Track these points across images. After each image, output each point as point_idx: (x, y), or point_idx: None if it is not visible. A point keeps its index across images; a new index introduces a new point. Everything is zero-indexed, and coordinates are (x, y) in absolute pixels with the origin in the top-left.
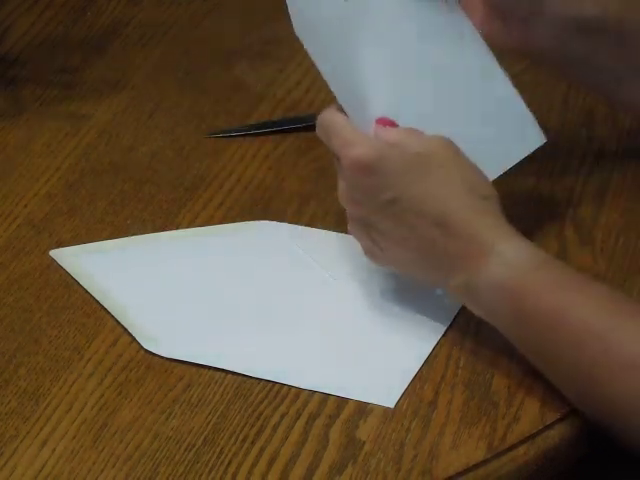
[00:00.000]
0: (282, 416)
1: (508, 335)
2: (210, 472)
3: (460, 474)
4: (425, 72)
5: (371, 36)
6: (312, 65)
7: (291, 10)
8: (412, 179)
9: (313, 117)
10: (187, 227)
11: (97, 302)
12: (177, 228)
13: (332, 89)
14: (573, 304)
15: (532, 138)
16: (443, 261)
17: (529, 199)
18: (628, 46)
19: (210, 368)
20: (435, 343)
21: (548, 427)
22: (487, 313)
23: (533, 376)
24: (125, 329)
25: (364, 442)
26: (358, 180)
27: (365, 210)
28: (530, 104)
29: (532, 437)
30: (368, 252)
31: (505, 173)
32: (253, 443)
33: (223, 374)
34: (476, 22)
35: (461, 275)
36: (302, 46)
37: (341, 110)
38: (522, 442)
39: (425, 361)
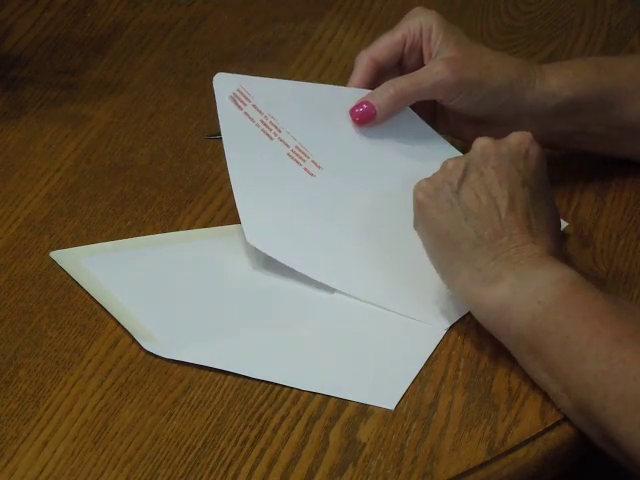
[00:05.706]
0: (282, 418)
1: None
2: (210, 474)
3: (460, 476)
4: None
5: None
6: (312, 66)
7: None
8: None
9: None
10: (187, 229)
11: (97, 303)
12: (177, 229)
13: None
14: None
15: None
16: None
17: None
18: (609, 110)
19: (210, 369)
20: (435, 345)
21: (548, 429)
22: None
23: None
24: (125, 330)
25: (364, 444)
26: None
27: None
28: None
29: (532, 439)
30: (440, 188)
31: None
32: (253, 445)
33: (223, 376)
34: (468, 137)
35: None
36: (302, 46)
37: None
38: (522, 444)
39: (425, 363)
